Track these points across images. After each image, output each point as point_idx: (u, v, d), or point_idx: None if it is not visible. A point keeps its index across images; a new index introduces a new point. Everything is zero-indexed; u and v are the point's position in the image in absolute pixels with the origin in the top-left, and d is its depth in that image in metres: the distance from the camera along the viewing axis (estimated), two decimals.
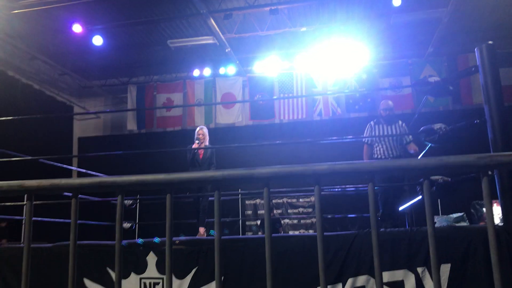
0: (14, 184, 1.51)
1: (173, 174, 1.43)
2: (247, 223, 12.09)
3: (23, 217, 8.70)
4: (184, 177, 1.43)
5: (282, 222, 10.92)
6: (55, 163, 6.72)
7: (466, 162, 1.27)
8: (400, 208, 5.64)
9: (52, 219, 6.72)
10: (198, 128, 6.73)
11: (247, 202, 12.00)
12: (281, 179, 1.37)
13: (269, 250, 1.35)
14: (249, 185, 10.01)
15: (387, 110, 6.03)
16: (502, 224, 3.59)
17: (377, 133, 5.96)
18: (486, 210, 1.24)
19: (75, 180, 1.48)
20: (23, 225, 9.52)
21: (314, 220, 11.44)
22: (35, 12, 9.06)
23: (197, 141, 6.56)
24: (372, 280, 3.68)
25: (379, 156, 5.90)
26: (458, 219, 4.91)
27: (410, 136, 5.88)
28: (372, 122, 6.16)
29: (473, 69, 3.88)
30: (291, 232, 11.25)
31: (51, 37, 10.76)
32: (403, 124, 6.08)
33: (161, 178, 1.43)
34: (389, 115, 6.03)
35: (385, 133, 5.91)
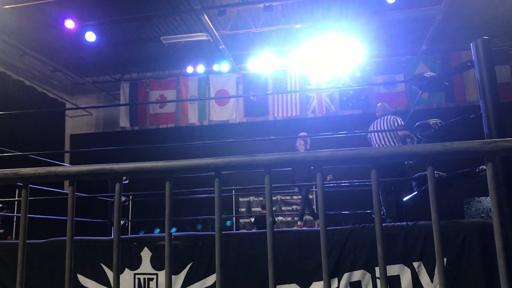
0: (9, 172, 1.47)
1: (172, 161, 1.40)
2: (241, 220, 12.06)
3: (15, 214, 8.62)
4: (184, 164, 1.40)
5: (276, 219, 10.90)
6: (46, 159, 6.64)
7: (470, 147, 1.25)
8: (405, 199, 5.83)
9: (45, 216, 6.64)
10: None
11: (240, 199, 11.96)
12: (282, 165, 1.34)
13: (270, 238, 1.33)
14: (244, 182, 10.04)
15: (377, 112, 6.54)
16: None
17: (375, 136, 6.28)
18: (490, 195, 1.23)
19: (72, 168, 1.45)
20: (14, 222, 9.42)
21: (307, 217, 11.42)
22: (27, 7, 8.95)
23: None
24: (368, 275, 3.67)
25: None
26: None
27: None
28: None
29: (468, 63, 3.87)
30: None
31: (43, 33, 10.66)
32: (391, 118, 6.26)
33: (159, 165, 1.41)
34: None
35: (379, 134, 6.21)
